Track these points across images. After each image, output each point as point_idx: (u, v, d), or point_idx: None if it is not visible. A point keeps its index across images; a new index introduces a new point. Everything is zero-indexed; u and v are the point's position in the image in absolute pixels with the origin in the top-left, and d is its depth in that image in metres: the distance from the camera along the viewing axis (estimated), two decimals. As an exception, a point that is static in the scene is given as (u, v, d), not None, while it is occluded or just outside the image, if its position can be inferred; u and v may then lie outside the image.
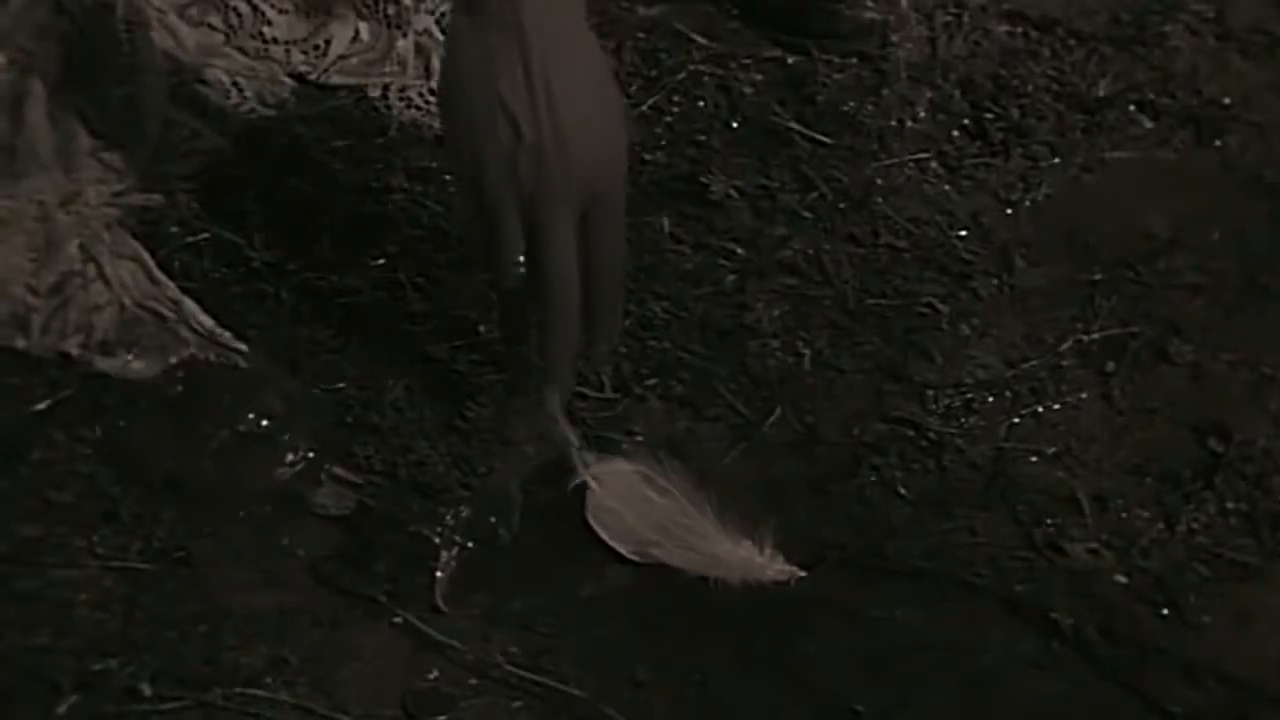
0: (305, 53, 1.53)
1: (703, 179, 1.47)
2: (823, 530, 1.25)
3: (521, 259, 1.20)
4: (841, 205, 1.47)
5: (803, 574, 1.21)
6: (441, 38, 1.54)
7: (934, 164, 1.52)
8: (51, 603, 1.17)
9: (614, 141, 1.20)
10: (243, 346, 1.32)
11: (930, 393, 1.33)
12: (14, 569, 1.18)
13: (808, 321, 1.38)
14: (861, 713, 1.14)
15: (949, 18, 1.63)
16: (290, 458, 1.25)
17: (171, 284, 1.35)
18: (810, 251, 1.43)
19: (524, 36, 1.13)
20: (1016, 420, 1.32)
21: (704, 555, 1.22)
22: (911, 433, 1.31)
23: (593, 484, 1.24)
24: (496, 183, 1.16)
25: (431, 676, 1.15)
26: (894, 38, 1.60)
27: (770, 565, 1.22)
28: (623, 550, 1.22)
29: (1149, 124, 1.56)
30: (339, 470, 1.25)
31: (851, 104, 1.55)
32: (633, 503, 1.24)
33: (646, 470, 1.24)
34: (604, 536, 1.23)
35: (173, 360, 1.31)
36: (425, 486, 1.25)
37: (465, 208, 1.20)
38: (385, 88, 1.52)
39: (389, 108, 1.51)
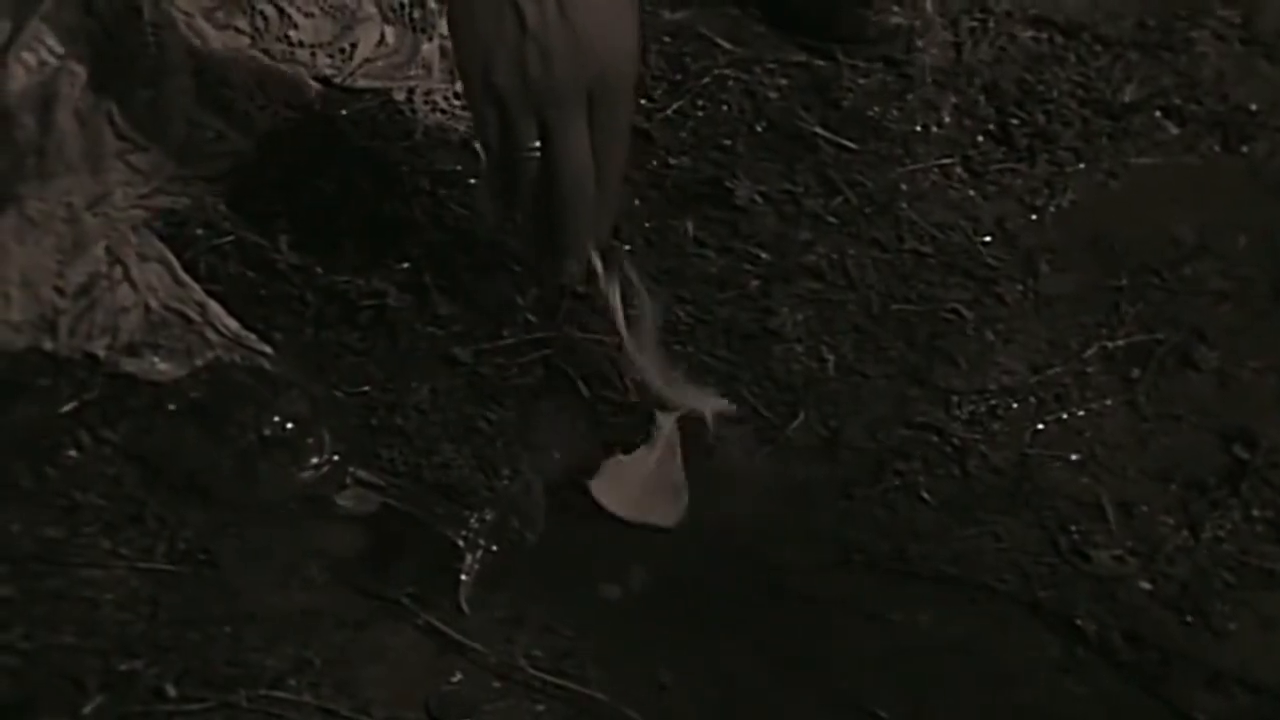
0: (331, 56, 1.53)
1: (727, 183, 1.47)
2: (846, 534, 1.25)
3: (536, 148, 1.19)
4: (866, 210, 1.47)
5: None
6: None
7: (959, 169, 1.51)
8: (78, 603, 1.17)
9: (623, 29, 1.18)
10: (268, 349, 1.32)
11: (954, 398, 1.33)
12: (41, 569, 1.19)
13: (832, 326, 1.38)
14: (884, 717, 1.14)
15: (974, 23, 1.63)
16: (315, 460, 1.25)
17: (197, 286, 1.35)
18: (835, 256, 1.43)
19: None
20: (1041, 426, 1.32)
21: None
22: (935, 438, 1.31)
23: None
24: (505, 76, 1.15)
25: (454, 679, 1.16)
26: (919, 43, 1.60)
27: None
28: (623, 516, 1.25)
29: (1175, 130, 1.55)
30: (363, 473, 1.25)
31: (876, 109, 1.55)
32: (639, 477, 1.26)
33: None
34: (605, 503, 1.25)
35: (198, 362, 1.31)
36: (449, 489, 1.25)
37: (477, 108, 1.19)
38: (410, 91, 1.52)
39: (414, 111, 1.51)
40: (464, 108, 1.51)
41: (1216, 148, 1.54)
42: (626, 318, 1.27)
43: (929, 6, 1.61)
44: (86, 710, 1.11)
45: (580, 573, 1.22)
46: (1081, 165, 1.52)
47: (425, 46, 1.55)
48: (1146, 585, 1.22)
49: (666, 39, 1.60)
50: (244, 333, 1.33)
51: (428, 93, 1.52)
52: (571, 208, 1.22)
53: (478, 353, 1.34)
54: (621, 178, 1.26)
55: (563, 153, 1.19)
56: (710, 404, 1.30)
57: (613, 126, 1.21)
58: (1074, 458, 1.30)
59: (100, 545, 1.20)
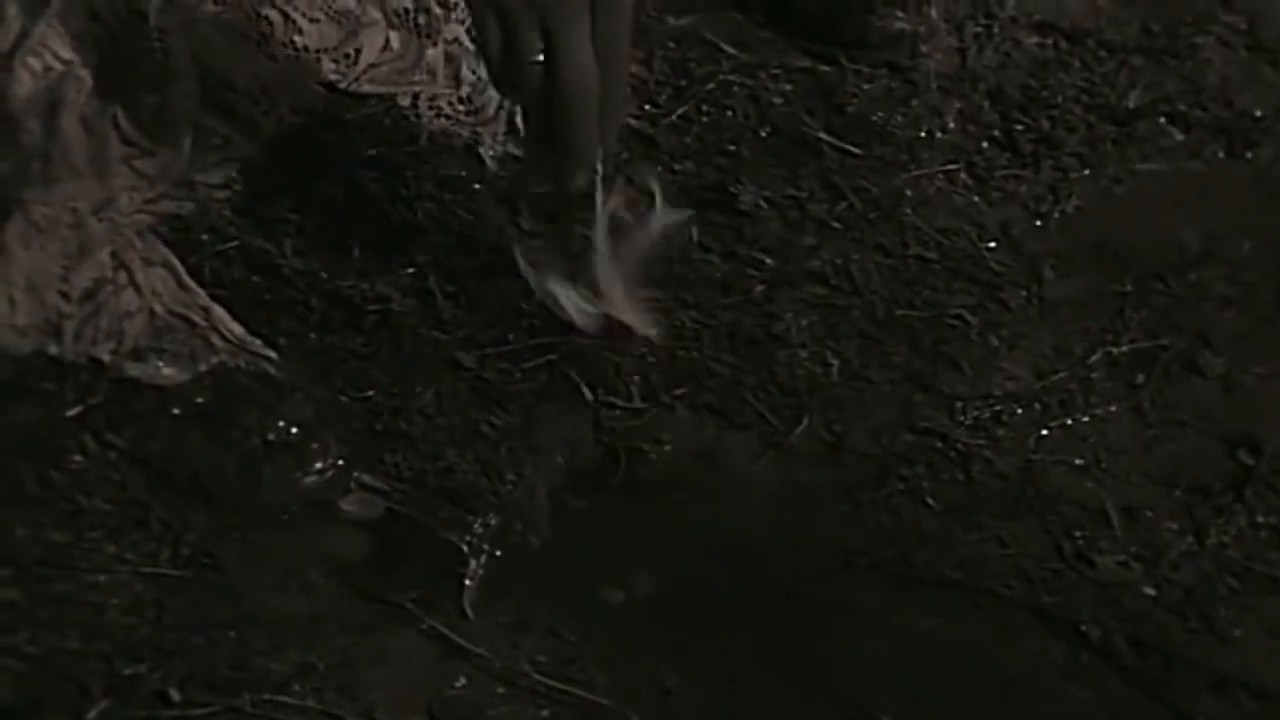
0: (336, 61, 1.53)
1: (732, 188, 1.47)
2: (850, 539, 1.25)
3: (539, 59, 1.19)
4: (871, 215, 1.47)
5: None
6: (471, 47, 1.55)
7: (963, 175, 1.51)
8: (82, 607, 1.17)
9: None
10: (272, 354, 1.32)
11: (959, 404, 1.33)
12: (46, 573, 1.19)
13: (836, 331, 1.38)
14: (888, 723, 1.14)
15: (979, 29, 1.63)
16: (319, 465, 1.25)
17: (202, 291, 1.35)
18: (839, 261, 1.43)
19: None
20: (1045, 432, 1.32)
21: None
22: (940, 443, 1.31)
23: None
24: None
25: (459, 684, 1.16)
26: (924, 48, 1.60)
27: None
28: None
29: (1180, 136, 1.55)
30: (367, 477, 1.25)
31: (881, 114, 1.55)
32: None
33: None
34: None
35: (203, 367, 1.31)
36: (453, 493, 1.25)
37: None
38: (415, 96, 1.52)
39: (419, 116, 1.51)
40: (469, 113, 1.51)
41: (1221, 154, 1.54)
42: (619, 227, 1.27)
43: (934, 12, 1.61)
44: (91, 715, 1.11)
45: (584, 577, 1.22)
46: (1086, 171, 1.52)
47: (430, 52, 1.55)
48: (1151, 590, 1.22)
49: (671, 45, 1.60)
50: (249, 337, 1.33)
51: (432, 98, 1.52)
52: (576, 116, 1.21)
53: (482, 357, 1.34)
54: (626, 86, 1.25)
55: (565, 61, 1.18)
56: (646, 328, 1.31)
57: (615, 33, 1.20)
58: (1078, 463, 1.30)
59: (105, 550, 1.20)
